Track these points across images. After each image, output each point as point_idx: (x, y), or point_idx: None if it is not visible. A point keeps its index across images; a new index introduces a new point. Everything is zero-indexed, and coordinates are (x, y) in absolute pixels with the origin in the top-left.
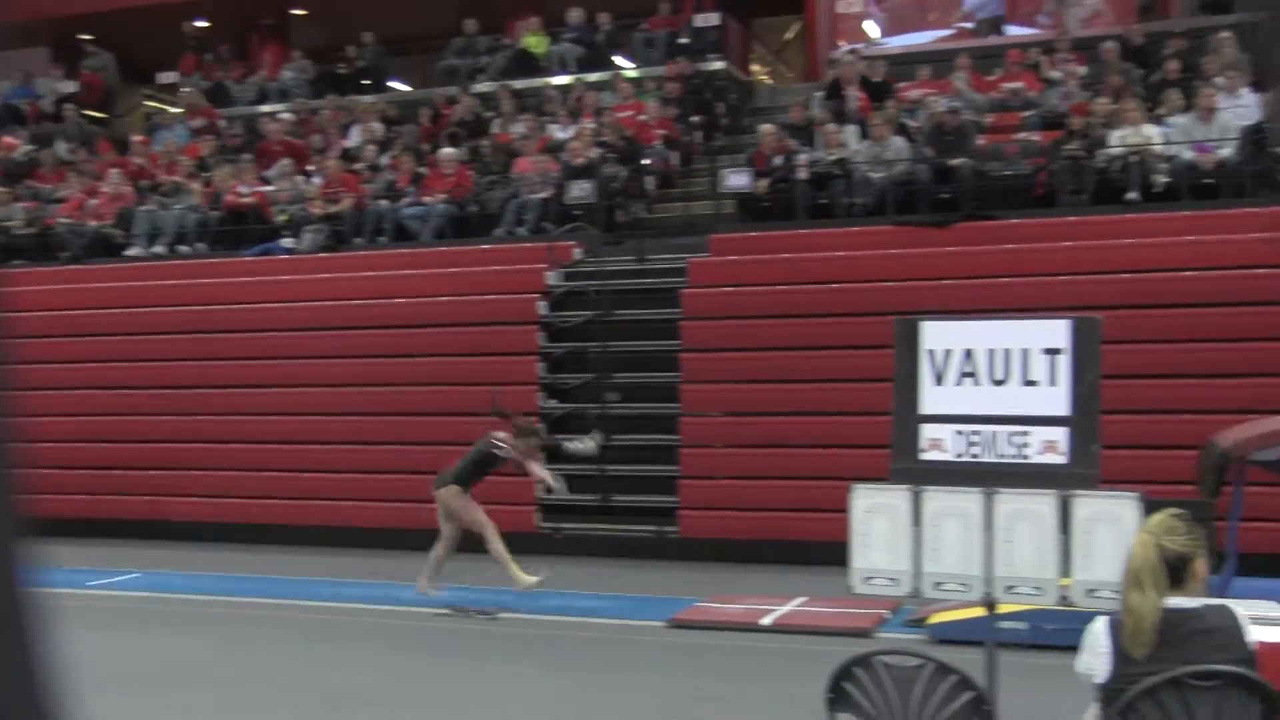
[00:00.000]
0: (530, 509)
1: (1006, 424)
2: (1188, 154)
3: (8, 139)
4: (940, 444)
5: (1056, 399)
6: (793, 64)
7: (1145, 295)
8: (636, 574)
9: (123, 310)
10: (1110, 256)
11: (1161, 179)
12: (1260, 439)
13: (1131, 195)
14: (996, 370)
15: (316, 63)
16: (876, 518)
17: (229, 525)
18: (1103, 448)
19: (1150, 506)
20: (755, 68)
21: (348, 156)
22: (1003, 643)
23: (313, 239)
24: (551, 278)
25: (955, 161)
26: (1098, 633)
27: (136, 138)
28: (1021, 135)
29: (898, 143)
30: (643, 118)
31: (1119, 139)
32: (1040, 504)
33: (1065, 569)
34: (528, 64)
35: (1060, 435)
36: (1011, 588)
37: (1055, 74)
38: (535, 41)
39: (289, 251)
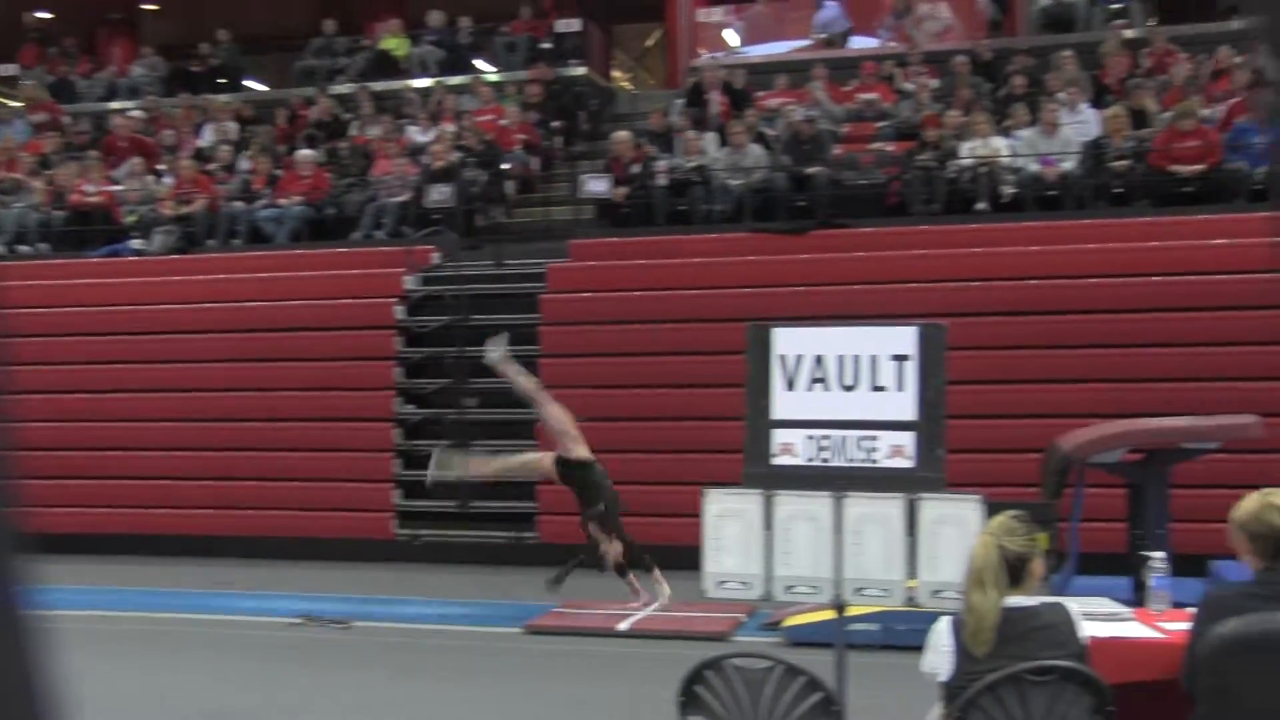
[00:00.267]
0: (387, 516)
1: (856, 429)
2: (1033, 166)
3: None
4: (791, 448)
5: (904, 404)
6: (654, 71)
7: (993, 303)
8: (495, 580)
9: None
10: (960, 265)
11: (1009, 190)
12: (1099, 442)
13: (980, 205)
14: (846, 376)
15: (168, 59)
16: (729, 522)
17: (67, 536)
18: (949, 451)
19: (992, 508)
20: (616, 74)
21: (201, 156)
22: (855, 644)
23: (163, 241)
24: (409, 282)
25: (811, 170)
26: (941, 632)
27: None
28: (876, 145)
29: (756, 150)
30: (503, 122)
31: (969, 151)
32: (888, 507)
33: (912, 570)
34: (387, 66)
35: (907, 440)
36: (860, 589)
37: (908, 86)
38: (395, 44)
39: (138, 253)
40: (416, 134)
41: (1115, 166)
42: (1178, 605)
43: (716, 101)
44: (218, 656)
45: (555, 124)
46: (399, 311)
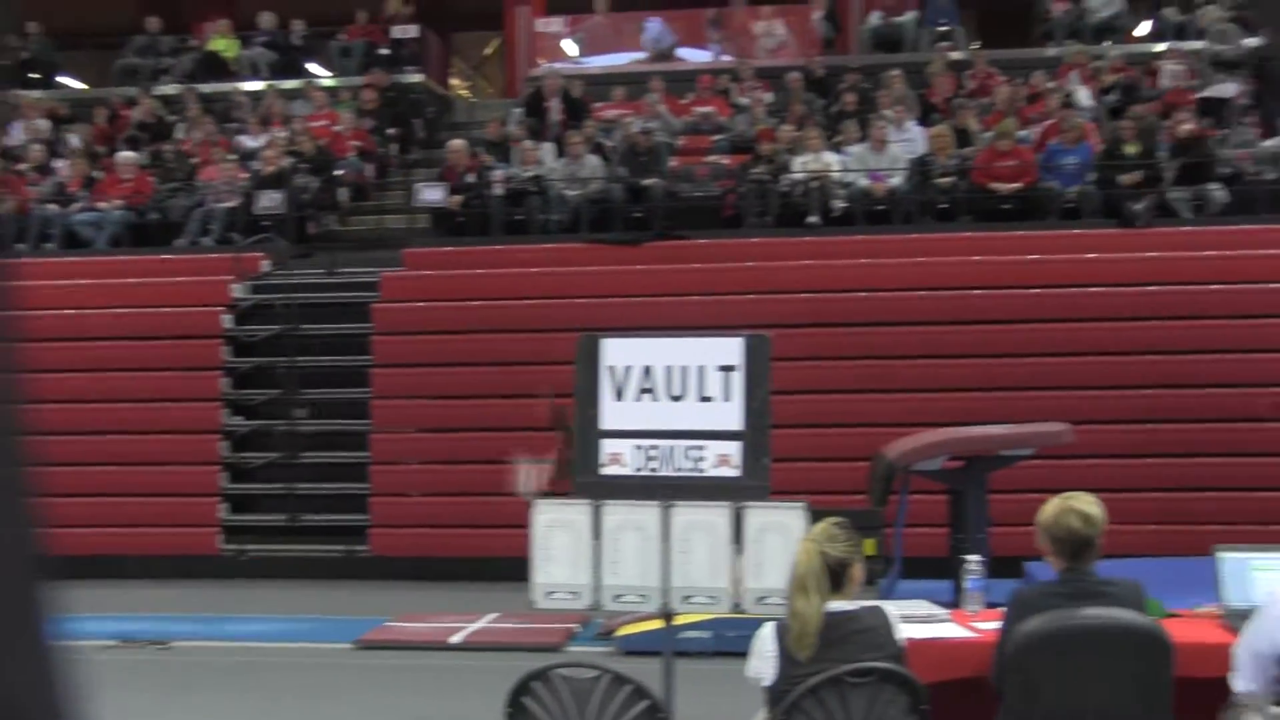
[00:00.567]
0: (212, 531)
1: (683, 438)
2: (863, 181)
3: None
4: (620, 458)
5: (730, 414)
6: (493, 80)
7: (823, 314)
8: (325, 595)
9: None
10: (792, 277)
11: (839, 204)
12: (922, 450)
13: (812, 219)
14: (674, 386)
15: None
16: (558, 532)
17: None
18: (778, 460)
19: (816, 516)
20: (455, 82)
21: (9, 156)
22: (688, 651)
23: None
24: (237, 290)
25: (648, 181)
26: (765, 638)
27: None
28: (711, 158)
29: (593, 161)
30: (337, 128)
31: (801, 165)
32: (714, 515)
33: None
34: (216, 67)
35: (733, 449)
36: (688, 597)
37: (744, 100)
38: (224, 44)
39: None
40: (246, 139)
41: (940, 183)
42: (992, 606)
43: (555, 112)
44: None
45: (391, 131)
46: (227, 320)
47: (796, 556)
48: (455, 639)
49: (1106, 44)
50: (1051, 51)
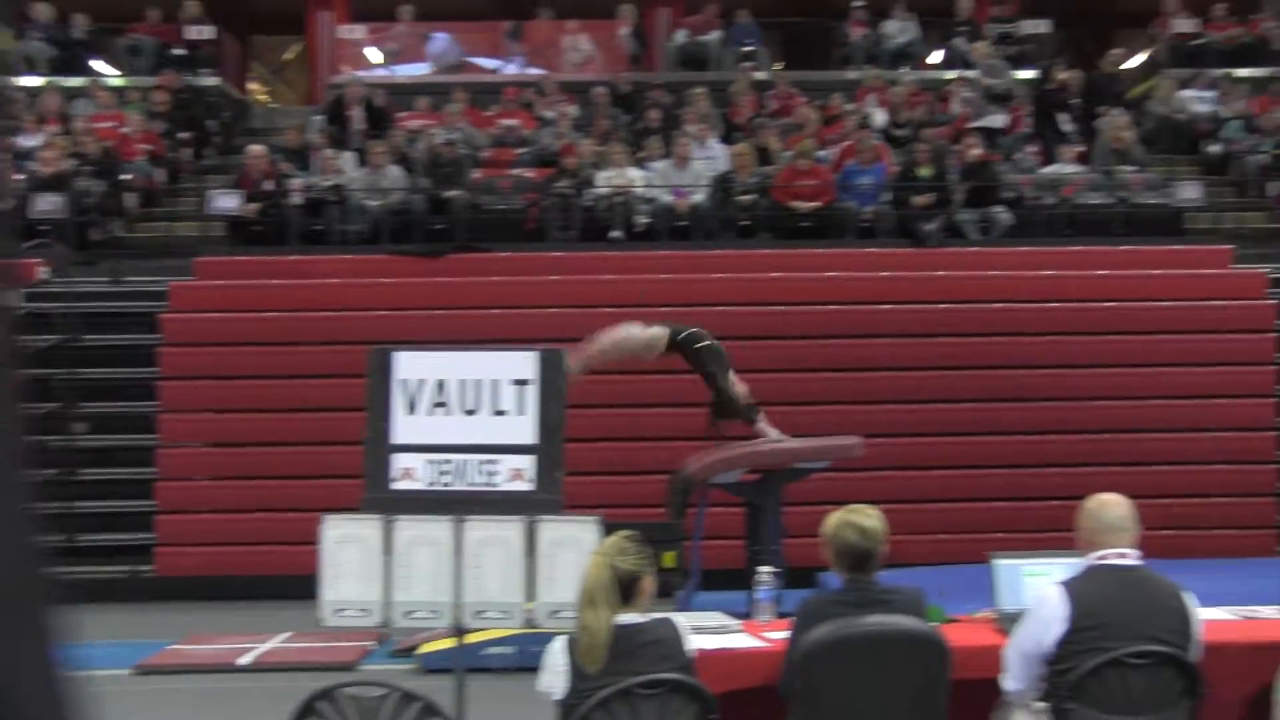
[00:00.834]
0: None
1: (477, 453)
2: (666, 197)
3: None
4: (412, 473)
5: (524, 428)
6: (295, 85)
7: None
8: (108, 619)
9: None
10: (594, 291)
11: (642, 219)
12: (719, 464)
13: (615, 233)
14: (468, 400)
15: None
16: (348, 548)
17: None
18: (575, 474)
19: (610, 529)
20: (254, 86)
21: None
22: (491, 667)
23: None
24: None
25: (450, 193)
26: (555, 652)
27: None
28: (515, 171)
29: (394, 172)
30: (125, 130)
31: (605, 180)
32: (507, 530)
33: (531, 592)
34: None
35: (527, 463)
36: (480, 613)
37: (549, 114)
38: None
39: None
40: (22, 138)
41: (741, 200)
42: (784, 616)
43: (356, 120)
44: None
45: (183, 135)
46: None
47: (586, 570)
48: (243, 660)
49: (903, 70)
50: (851, 75)
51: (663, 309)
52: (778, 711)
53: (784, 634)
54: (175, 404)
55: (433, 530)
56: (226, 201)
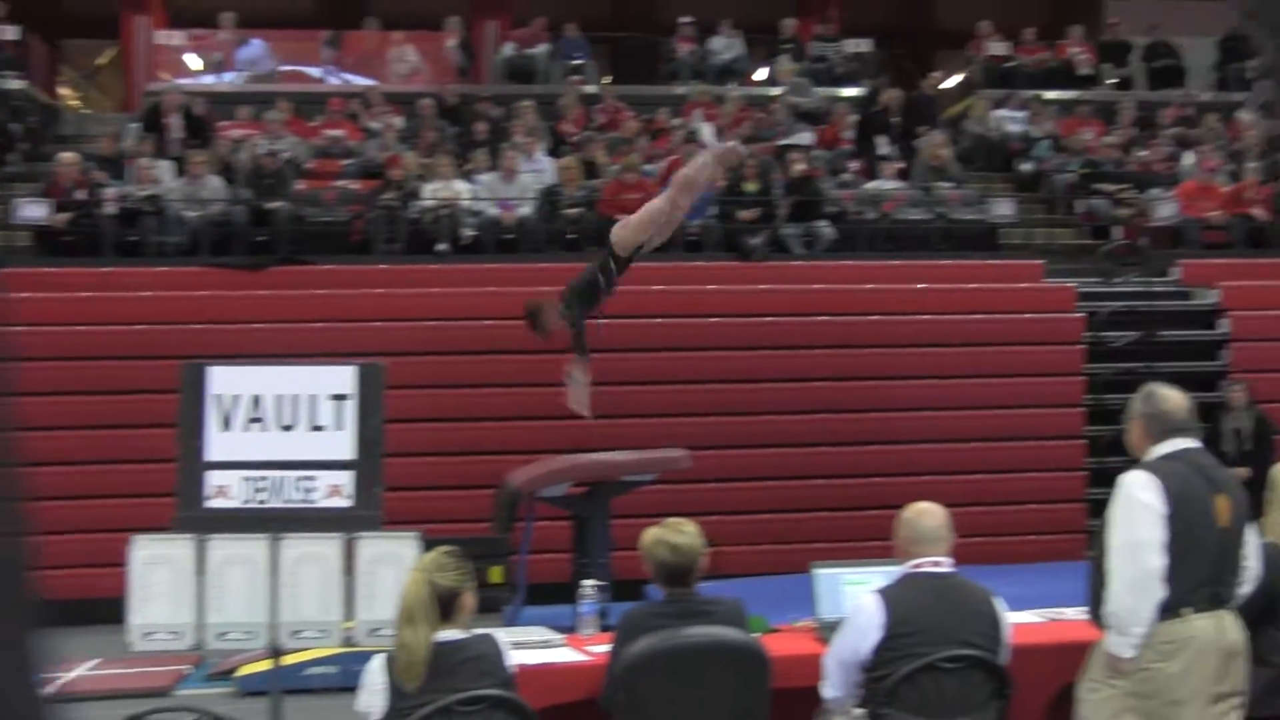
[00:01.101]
0: None
1: (294, 469)
2: (492, 210)
3: None
4: (226, 490)
5: (342, 443)
6: (109, 91)
7: (450, 342)
8: None
9: None
10: (420, 304)
11: (469, 232)
12: (546, 477)
13: (441, 246)
14: (285, 416)
15: None
16: (158, 569)
17: None
18: (400, 489)
19: (430, 544)
20: (65, 91)
21: None
22: (314, 687)
23: None
24: None
25: (273, 205)
26: (373, 671)
27: None
28: (340, 182)
29: (215, 182)
30: None
31: (431, 192)
32: (325, 547)
33: (350, 610)
34: None
35: (345, 479)
36: (297, 632)
37: (375, 125)
38: None
39: None
40: None
41: (568, 213)
42: (609, 629)
43: (175, 129)
44: None
45: None
46: None
47: (405, 587)
48: (48, 690)
49: (729, 86)
50: (678, 90)
51: (488, 322)
52: None
53: (606, 647)
54: None
55: (247, 549)
56: (33, 210)
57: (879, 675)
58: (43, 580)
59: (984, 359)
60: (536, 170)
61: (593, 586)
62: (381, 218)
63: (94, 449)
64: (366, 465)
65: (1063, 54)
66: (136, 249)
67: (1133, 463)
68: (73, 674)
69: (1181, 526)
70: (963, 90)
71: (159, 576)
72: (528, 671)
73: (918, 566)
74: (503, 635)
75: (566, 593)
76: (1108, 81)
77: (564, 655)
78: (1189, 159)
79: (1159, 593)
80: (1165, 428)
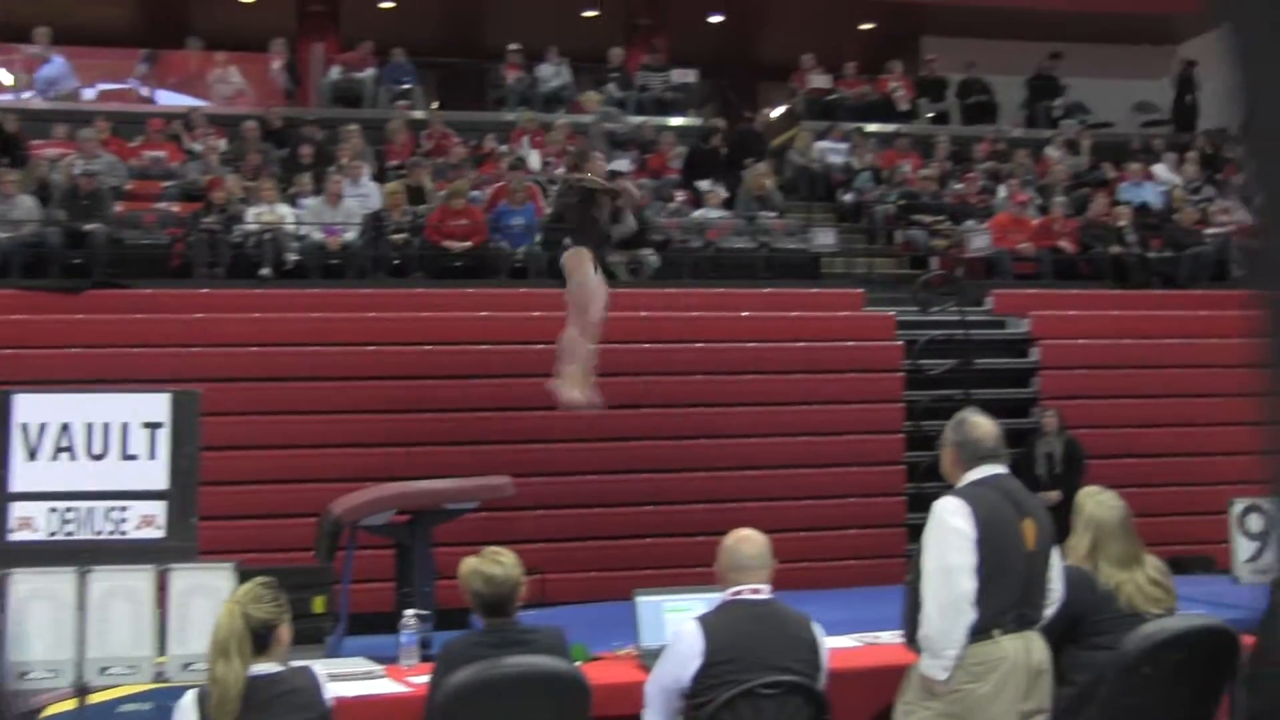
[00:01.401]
0: None
1: (104, 499)
2: (317, 235)
3: None
4: (31, 523)
5: (156, 473)
6: None
7: (272, 368)
8: None
9: None
10: (242, 330)
11: (293, 257)
12: (368, 505)
13: (265, 271)
14: (95, 444)
15: None
16: None
17: None
18: (218, 518)
19: (246, 575)
20: None
21: None
22: None
23: None
24: None
25: (90, 226)
26: (184, 708)
27: None
28: (161, 205)
29: (27, 202)
30: None
31: (255, 216)
32: (136, 579)
33: (162, 645)
34: None
35: (158, 509)
36: (106, 669)
37: (196, 147)
38: None
39: None
40: None
41: (394, 239)
42: (430, 659)
43: None
44: None
45: None
46: None
47: (218, 619)
48: None
49: (557, 113)
50: (506, 116)
51: (313, 348)
52: None
53: (427, 678)
54: None
55: (52, 583)
56: None
57: (700, 702)
58: None
59: (806, 386)
60: (362, 195)
61: (415, 616)
62: (203, 241)
63: None
64: (180, 495)
65: (883, 88)
66: None
67: (949, 488)
68: None
69: (991, 551)
70: (786, 121)
71: None
72: (346, 704)
73: (737, 594)
74: (321, 667)
75: (390, 622)
76: (925, 116)
77: (384, 687)
78: (1001, 192)
79: (970, 615)
80: (975, 454)
